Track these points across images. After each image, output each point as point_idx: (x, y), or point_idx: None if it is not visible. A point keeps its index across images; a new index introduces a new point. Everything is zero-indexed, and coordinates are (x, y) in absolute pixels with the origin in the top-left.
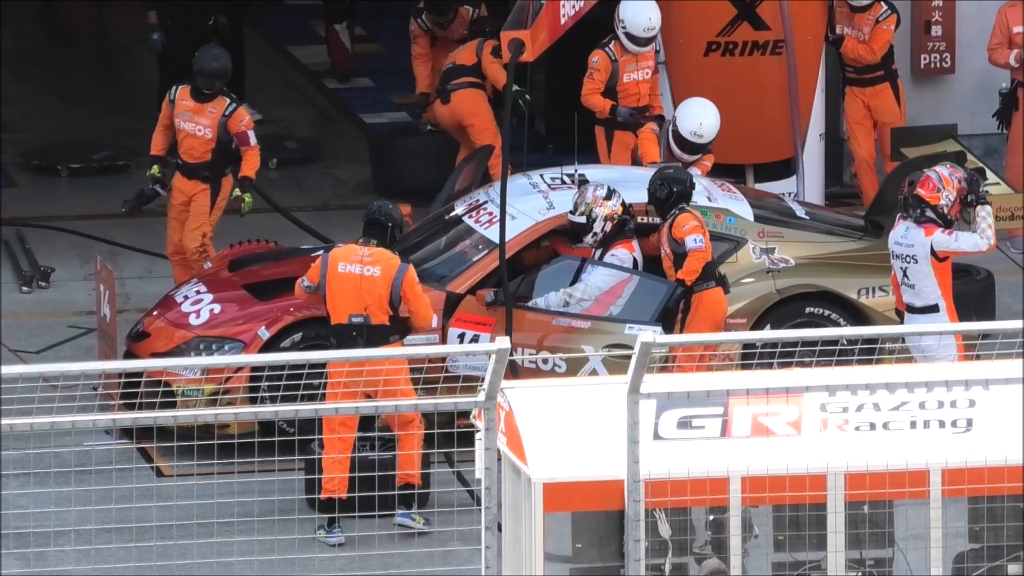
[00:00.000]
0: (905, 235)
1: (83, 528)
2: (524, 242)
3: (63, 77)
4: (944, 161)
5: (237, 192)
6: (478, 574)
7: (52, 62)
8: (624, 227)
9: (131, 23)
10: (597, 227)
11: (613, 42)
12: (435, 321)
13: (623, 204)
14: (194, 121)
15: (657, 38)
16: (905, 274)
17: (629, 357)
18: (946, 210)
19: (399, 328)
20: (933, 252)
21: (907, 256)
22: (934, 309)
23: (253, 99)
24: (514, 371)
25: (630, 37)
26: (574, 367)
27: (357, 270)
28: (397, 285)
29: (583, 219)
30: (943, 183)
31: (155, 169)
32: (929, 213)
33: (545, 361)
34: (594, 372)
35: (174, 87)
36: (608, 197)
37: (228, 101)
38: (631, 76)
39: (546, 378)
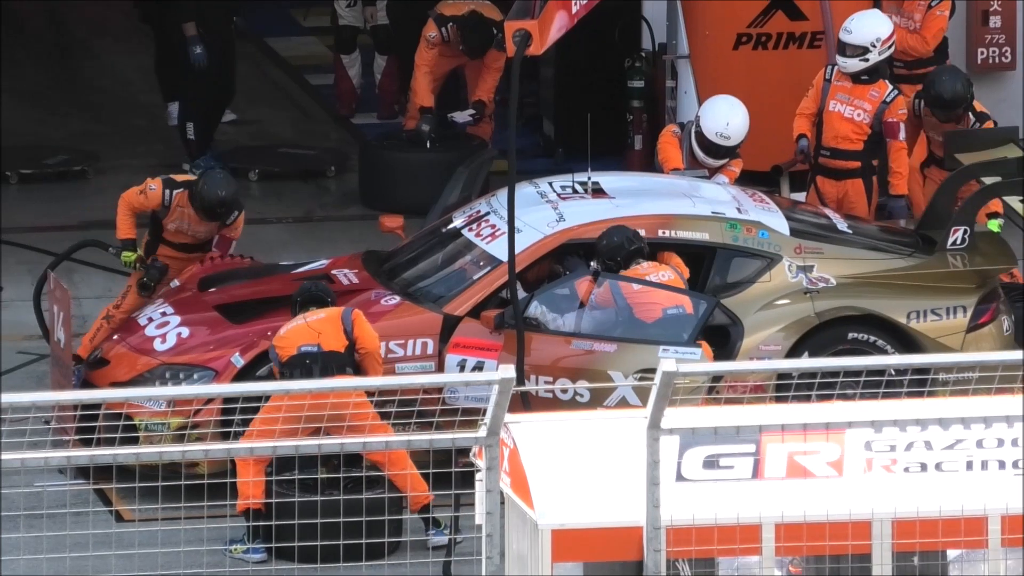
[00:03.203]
0: None
1: None
2: (531, 258)
3: (14, 73)
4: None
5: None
6: None
7: (2, 55)
8: None
9: (90, 13)
10: None
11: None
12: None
13: None
14: (195, 230)
15: (868, 62)
16: None
17: None
18: None
19: (353, 362)
20: None
21: None
22: None
23: None
24: (526, 403)
25: (839, 45)
26: (599, 397)
27: (301, 321)
28: (347, 315)
29: None
30: None
31: (130, 256)
32: None
33: (564, 390)
34: (624, 402)
35: (169, 191)
36: None
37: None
38: (836, 107)
39: (560, 411)
